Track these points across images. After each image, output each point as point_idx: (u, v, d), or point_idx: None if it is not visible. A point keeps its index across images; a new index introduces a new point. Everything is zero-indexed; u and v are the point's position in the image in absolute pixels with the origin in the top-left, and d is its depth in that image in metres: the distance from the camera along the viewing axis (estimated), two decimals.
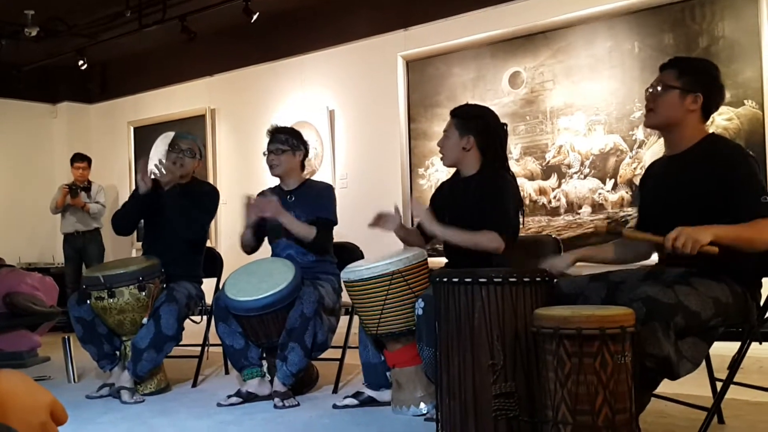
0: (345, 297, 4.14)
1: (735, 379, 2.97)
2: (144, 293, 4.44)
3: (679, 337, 2.62)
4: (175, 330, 4.45)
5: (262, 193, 4.63)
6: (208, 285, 4.89)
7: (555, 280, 3.04)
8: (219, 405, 4.12)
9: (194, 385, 4.76)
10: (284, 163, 4.46)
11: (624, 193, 5.48)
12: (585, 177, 5.75)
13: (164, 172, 4.66)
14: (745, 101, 5.03)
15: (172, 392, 4.61)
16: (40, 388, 1.01)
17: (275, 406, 4.02)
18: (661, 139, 3.19)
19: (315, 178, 7.02)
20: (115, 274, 4.45)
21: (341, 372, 4.46)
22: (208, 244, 5.09)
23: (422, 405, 3.71)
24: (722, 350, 3.12)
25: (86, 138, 9.62)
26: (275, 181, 4.67)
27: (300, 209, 4.40)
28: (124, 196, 4.99)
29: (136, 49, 8.45)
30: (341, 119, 7.30)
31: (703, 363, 3.14)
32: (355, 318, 4.14)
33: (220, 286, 4.47)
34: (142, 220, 4.94)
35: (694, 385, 3.42)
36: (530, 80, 6.05)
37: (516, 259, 3.56)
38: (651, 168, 3.27)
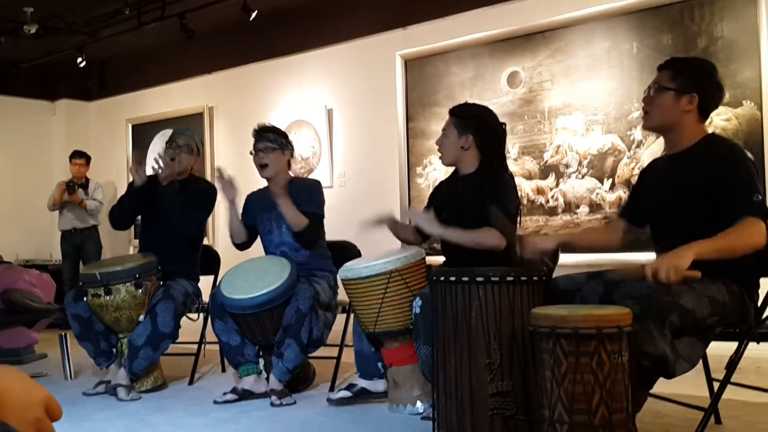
0: (342, 295, 4.13)
1: (732, 380, 2.97)
2: (141, 290, 4.44)
3: (676, 336, 2.62)
4: (172, 327, 4.45)
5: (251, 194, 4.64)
6: (205, 282, 4.89)
7: (552, 277, 3.05)
8: (215, 402, 4.12)
9: (191, 382, 4.76)
10: (274, 162, 4.45)
11: (621, 193, 5.48)
12: (583, 177, 5.75)
13: (162, 167, 4.67)
14: (744, 101, 5.03)
15: (169, 390, 4.61)
16: (34, 384, 1.01)
17: (272, 404, 4.02)
18: (660, 140, 3.20)
19: (313, 176, 7.05)
20: (112, 271, 4.45)
21: (338, 370, 4.46)
22: (206, 241, 5.10)
23: (419, 404, 3.71)
24: (719, 350, 3.11)
25: (85, 135, 9.62)
26: (265, 183, 4.64)
27: None
28: (122, 194, 4.98)
29: (135, 46, 8.45)
30: (339, 118, 7.30)
31: (701, 363, 3.15)
32: (352, 316, 4.14)
33: (217, 284, 4.47)
34: (139, 217, 4.94)
35: (691, 386, 3.42)
36: (528, 80, 6.05)
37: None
38: (652, 165, 3.28)
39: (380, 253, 3.84)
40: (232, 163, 8.03)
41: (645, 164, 3.81)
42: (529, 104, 6.05)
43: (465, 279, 2.85)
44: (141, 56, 8.84)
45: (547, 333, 2.50)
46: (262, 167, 4.47)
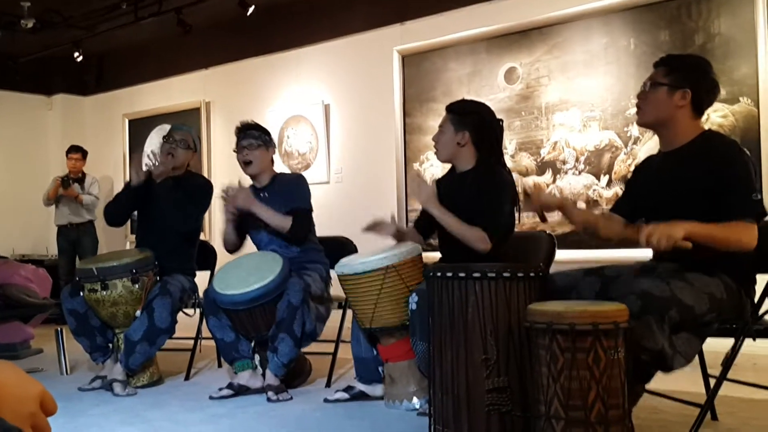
0: (338, 290, 4.12)
1: (728, 376, 2.98)
2: (137, 286, 4.44)
3: (674, 331, 2.63)
4: (169, 323, 4.44)
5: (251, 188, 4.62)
6: (202, 278, 4.89)
7: (549, 273, 3.06)
8: (211, 398, 4.12)
9: (187, 378, 4.76)
10: (258, 158, 4.45)
11: (618, 190, 5.48)
12: (580, 173, 5.75)
13: (157, 162, 4.66)
14: (741, 98, 5.04)
15: (165, 385, 4.61)
16: (29, 378, 1.01)
17: (269, 400, 4.02)
18: (656, 136, 3.19)
19: (310, 172, 7.05)
20: (108, 266, 4.45)
21: (334, 366, 4.46)
22: (202, 237, 5.09)
23: (415, 399, 3.71)
24: (716, 347, 3.12)
25: (81, 130, 9.60)
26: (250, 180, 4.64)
27: (275, 204, 4.38)
28: (119, 189, 4.98)
29: (132, 41, 8.44)
30: (336, 113, 7.30)
31: (697, 359, 3.15)
32: (348, 312, 4.14)
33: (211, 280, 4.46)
34: (136, 212, 4.94)
35: (687, 382, 3.43)
36: (526, 76, 6.05)
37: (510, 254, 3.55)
38: (647, 161, 3.28)
39: (376, 249, 3.83)
40: (228, 158, 8.02)
41: (641, 160, 3.80)
42: (526, 100, 6.04)
43: (461, 275, 2.85)
44: (138, 51, 8.83)
45: (544, 329, 2.50)
46: (246, 164, 4.47)
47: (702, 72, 2.99)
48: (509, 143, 6.02)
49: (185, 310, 4.72)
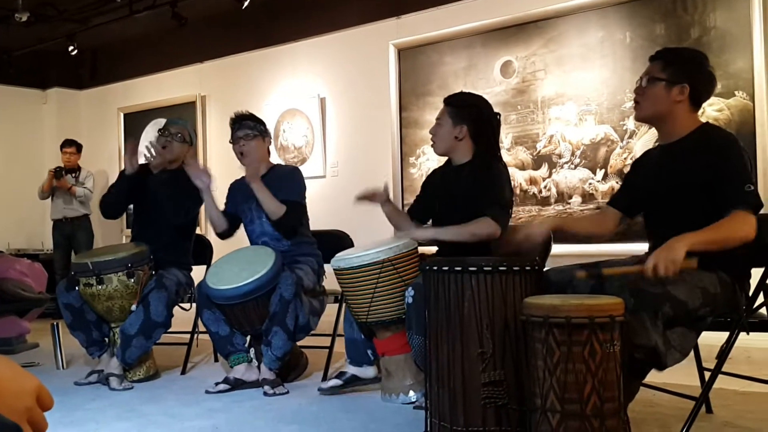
0: (334, 284, 4.12)
1: (723, 369, 2.98)
2: (133, 280, 4.43)
3: (668, 327, 2.63)
4: (165, 317, 4.44)
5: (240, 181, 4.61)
6: (198, 272, 4.88)
7: (544, 269, 3.05)
8: (207, 392, 4.12)
9: (183, 372, 4.76)
10: (254, 149, 4.43)
11: (614, 183, 5.49)
12: (575, 167, 5.76)
13: (154, 155, 4.66)
14: (736, 92, 5.04)
15: (161, 379, 4.61)
16: (25, 373, 1.01)
17: (265, 394, 4.02)
18: (653, 130, 3.19)
19: (306, 166, 7.04)
20: (103, 260, 4.44)
21: (330, 359, 4.46)
22: (198, 231, 5.08)
23: (411, 393, 3.72)
24: (710, 340, 3.13)
25: (76, 124, 9.59)
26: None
27: None
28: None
29: (127, 35, 8.42)
30: (332, 107, 7.29)
31: (692, 353, 3.16)
32: (345, 305, 4.14)
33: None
34: (131, 206, 4.93)
35: (682, 375, 3.43)
36: (522, 69, 6.05)
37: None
38: (645, 155, 3.28)
39: (372, 243, 3.83)
40: (223, 152, 8.02)
41: (638, 154, 3.81)
42: (522, 94, 6.04)
43: (457, 268, 2.85)
44: (133, 45, 8.81)
45: (540, 322, 2.51)
46: (243, 155, 4.46)
47: (699, 65, 2.99)
48: (505, 137, 6.02)
49: (181, 304, 4.71)
